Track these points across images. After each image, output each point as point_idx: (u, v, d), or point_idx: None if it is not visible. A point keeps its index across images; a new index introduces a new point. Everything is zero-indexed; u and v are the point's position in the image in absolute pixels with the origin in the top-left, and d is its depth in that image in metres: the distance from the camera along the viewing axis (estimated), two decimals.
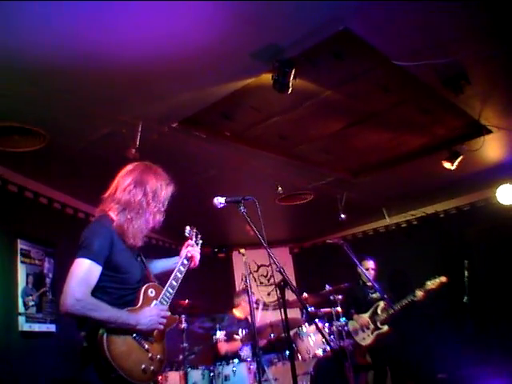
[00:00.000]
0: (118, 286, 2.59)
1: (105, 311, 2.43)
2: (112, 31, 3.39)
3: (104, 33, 3.40)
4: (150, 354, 2.58)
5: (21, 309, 5.01)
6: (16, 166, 5.23)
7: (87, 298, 2.42)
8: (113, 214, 2.67)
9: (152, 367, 2.56)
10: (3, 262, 4.99)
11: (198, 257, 3.05)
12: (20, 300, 5.03)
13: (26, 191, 5.48)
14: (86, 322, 2.47)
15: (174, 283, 2.82)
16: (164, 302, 2.73)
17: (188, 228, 3.17)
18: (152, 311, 2.62)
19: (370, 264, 6.20)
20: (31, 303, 5.14)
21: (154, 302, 2.70)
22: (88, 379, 2.48)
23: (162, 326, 2.64)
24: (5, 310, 4.87)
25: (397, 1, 3.34)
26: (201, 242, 3.18)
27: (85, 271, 2.45)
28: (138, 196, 2.63)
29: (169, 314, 2.71)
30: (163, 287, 2.80)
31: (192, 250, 3.03)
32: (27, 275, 5.20)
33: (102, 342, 2.40)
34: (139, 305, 2.63)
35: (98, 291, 2.49)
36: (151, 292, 2.72)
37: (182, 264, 2.93)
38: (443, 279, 5.71)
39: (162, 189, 2.74)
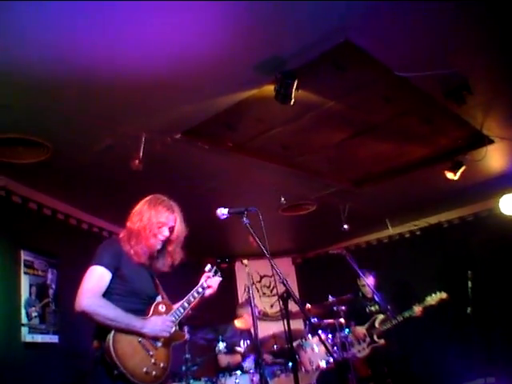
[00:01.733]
0: (126, 294, 2.85)
1: (113, 310, 2.70)
2: (115, 44, 3.42)
3: (107, 45, 3.42)
4: (153, 360, 2.77)
5: (24, 320, 5.00)
6: (20, 178, 5.25)
7: (97, 297, 2.72)
8: (122, 238, 3.03)
9: (154, 372, 2.75)
10: (7, 273, 4.99)
11: (215, 286, 3.25)
12: (23, 311, 5.03)
13: (29, 202, 5.50)
14: (101, 331, 2.69)
15: (186, 305, 3.07)
16: (173, 318, 2.97)
17: (209, 265, 3.35)
18: (158, 319, 2.86)
19: (369, 280, 6.18)
20: (34, 314, 5.14)
21: (164, 316, 2.94)
22: (97, 374, 2.70)
23: (166, 334, 2.85)
24: (8, 321, 4.86)
25: (398, 11, 3.36)
26: (220, 278, 3.33)
27: (96, 276, 2.78)
28: (136, 224, 2.98)
29: (175, 327, 2.95)
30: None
31: (210, 281, 3.23)
32: (30, 286, 5.20)
33: (108, 341, 2.62)
34: (149, 316, 2.88)
35: (109, 297, 2.78)
36: (162, 307, 2.98)
37: (197, 291, 3.16)
38: (443, 296, 5.68)
39: (154, 216, 2.99)
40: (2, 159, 4.75)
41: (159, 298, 3.06)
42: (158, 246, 3.01)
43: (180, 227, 3.06)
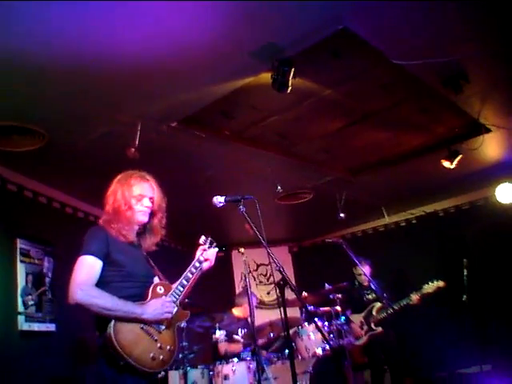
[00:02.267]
0: (121, 279, 2.75)
1: (109, 299, 2.60)
2: (110, 32, 3.39)
3: (102, 33, 3.40)
4: (159, 344, 2.69)
5: (20, 308, 5.00)
6: (15, 166, 5.23)
7: (90, 287, 2.62)
8: (103, 222, 2.94)
9: (161, 356, 2.67)
10: (3, 262, 4.99)
11: (212, 258, 3.16)
12: (19, 299, 5.03)
13: (25, 190, 5.48)
14: (101, 323, 2.60)
15: (185, 282, 2.96)
16: (173, 298, 2.86)
17: (203, 237, 3.26)
18: (157, 302, 2.75)
19: (365, 268, 6.20)
20: (31, 302, 5.14)
21: (163, 297, 2.82)
22: (99, 369, 2.60)
23: (168, 315, 2.76)
24: (4, 310, 4.86)
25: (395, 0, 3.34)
26: (216, 249, 3.25)
27: (86, 265, 2.68)
28: (111, 205, 2.92)
29: (176, 308, 2.84)
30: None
31: (206, 253, 3.14)
32: (27, 274, 5.20)
33: (110, 332, 2.52)
34: (148, 300, 2.76)
35: (104, 286, 2.67)
36: (160, 289, 2.86)
37: (194, 266, 3.05)
38: (440, 284, 5.71)
39: (126, 190, 2.93)
40: None
41: (156, 280, 2.96)
42: (144, 219, 2.92)
43: (159, 193, 2.99)
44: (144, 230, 2.99)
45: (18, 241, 5.20)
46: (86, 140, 4.80)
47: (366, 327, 5.94)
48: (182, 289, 2.92)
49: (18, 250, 5.18)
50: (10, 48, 3.42)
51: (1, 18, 3.12)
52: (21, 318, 4.99)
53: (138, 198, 2.90)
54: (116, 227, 2.83)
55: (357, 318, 6.04)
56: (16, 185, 5.35)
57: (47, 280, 5.47)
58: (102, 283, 2.67)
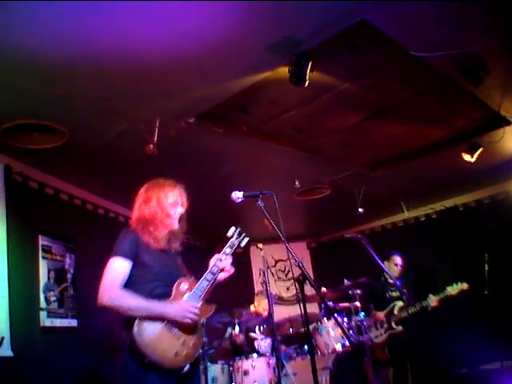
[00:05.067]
0: (149, 280, 2.82)
1: (133, 299, 2.69)
2: (129, 29, 3.41)
3: (121, 30, 3.42)
4: (182, 340, 2.73)
5: (42, 304, 5.07)
6: (36, 163, 5.30)
7: (116, 290, 2.71)
8: (135, 228, 2.99)
9: (185, 351, 2.71)
10: (25, 258, 5.05)
11: (227, 267, 3.06)
12: (42, 295, 5.10)
13: (46, 188, 5.54)
14: (128, 322, 2.68)
15: (210, 276, 2.96)
16: (198, 293, 2.88)
17: (233, 228, 3.20)
18: (182, 305, 2.78)
19: (398, 260, 6.11)
20: (53, 298, 5.21)
21: (187, 294, 2.86)
22: (125, 366, 2.69)
23: (189, 320, 2.76)
24: (27, 306, 4.93)
25: None
26: (246, 240, 3.19)
27: (114, 267, 2.79)
28: (146, 211, 2.97)
29: (199, 306, 2.83)
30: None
31: (220, 263, 3.03)
32: (49, 271, 5.27)
33: (134, 331, 2.61)
34: (171, 297, 2.81)
35: (133, 285, 2.77)
36: (183, 286, 2.89)
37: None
38: (464, 286, 5.57)
39: (164, 197, 2.99)
40: (19, 145, 4.79)
41: (182, 277, 2.95)
42: (176, 226, 2.99)
43: (186, 199, 3.07)
44: (172, 233, 3.03)
45: (40, 237, 5.28)
46: (106, 137, 4.84)
47: (386, 325, 5.88)
48: (207, 283, 2.93)
49: (40, 246, 5.25)
50: (31, 48, 3.47)
51: (18, 17, 3.16)
52: (43, 314, 5.06)
53: (174, 204, 2.99)
54: (152, 233, 2.91)
55: (378, 315, 5.97)
56: (37, 182, 5.41)
57: (69, 276, 5.53)
58: (130, 282, 2.78)
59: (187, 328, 2.77)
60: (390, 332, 5.80)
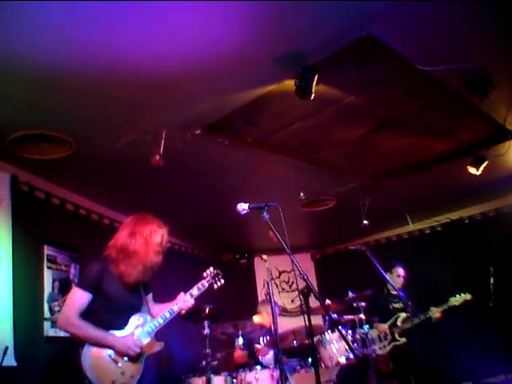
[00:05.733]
0: (107, 311, 3.15)
1: (87, 331, 3.03)
2: (136, 42, 3.43)
3: (129, 43, 3.44)
4: (121, 371, 3.04)
5: (47, 314, 5.07)
6: (43, 173, 5.32)
7: (74, 319, 3.04)
8: (108, 257, 3.24)
9: (122, 380, 3.03)
10: (30, 268, 5.06)
11: (185, 309, 3.43)
12: (46, 305, 5.10)
13: (52, 198, 5.56)
14: (80, 344, 3.06)
15: (168, 315, 3.32)
16: (149, 330, 3.22)
17: (211, 269, 3.54)
18: (127, 341, 3.10)
19: (400, 271, 6.10)
20: (57, 308, 5.19)
21: (139, 330, 3.19)
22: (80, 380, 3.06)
23: (132, 354, 3.08)
24: (31, 316, 4.92)
25: (420, 4, 3.32)
26: (221, 283, 3.56)
27: (75, 298, 3.11)
28: (131, 244, 3.17)
29: (144, 343, 3.17)
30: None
31: (181, 304, 3.40)
32: (53, 281, 5.27)
33: (80, 355, 3.02)
34: (123, 331, 3.15)
35: (90, 316, 3.07)
36: (138, 319, 3.23)
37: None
38: (468, 297, 5.57)
39: (150, 237, 3.21)
40: (26, 155, 4.82)
41: (142, 310, 3.28)
42: (154, 260, 3.21)
43: (167, 240, 3.32)
44: (147, 267, 3.25)
45: (45, 247, 5.29)
46: (112, 148, 4.86)
47: (389, 337, 5.85)
48: (161, 321, 3.27)
49: (45, 256, 5.26)
50: (38, 58, 3.50)
51: (28, 28, 3.19)
52: (47, 324, 5.05)
53: (158, 245, 3.21)
54: (126, 267, 3.12)
55: (381, 327, 5.95)
56: (44, 192, 5.43)
57: (73, 286, 5.53)
58: (90, 311, 3.08)
59: (130, 362, 3.09)
60: (394, 344, 5.77)
